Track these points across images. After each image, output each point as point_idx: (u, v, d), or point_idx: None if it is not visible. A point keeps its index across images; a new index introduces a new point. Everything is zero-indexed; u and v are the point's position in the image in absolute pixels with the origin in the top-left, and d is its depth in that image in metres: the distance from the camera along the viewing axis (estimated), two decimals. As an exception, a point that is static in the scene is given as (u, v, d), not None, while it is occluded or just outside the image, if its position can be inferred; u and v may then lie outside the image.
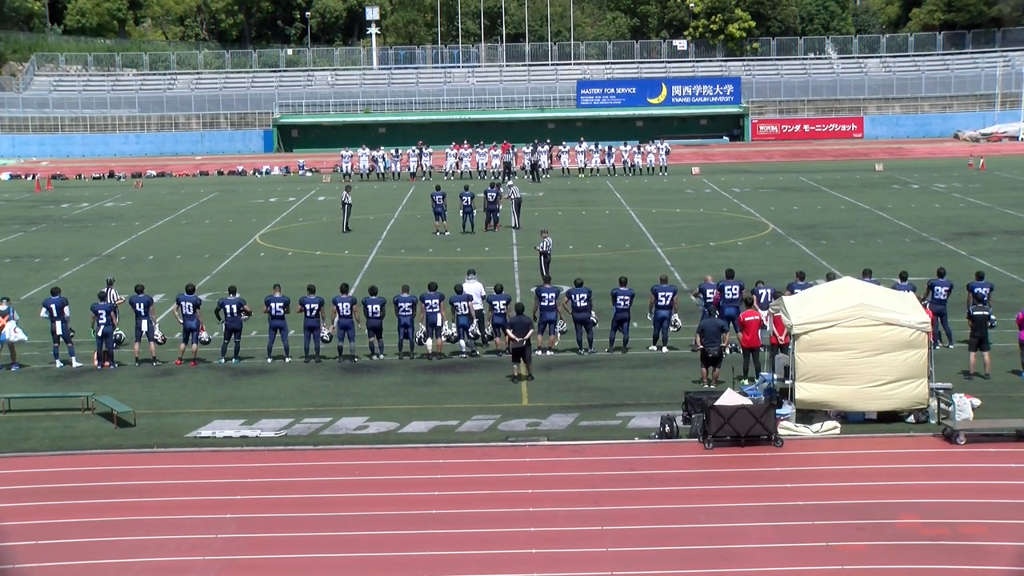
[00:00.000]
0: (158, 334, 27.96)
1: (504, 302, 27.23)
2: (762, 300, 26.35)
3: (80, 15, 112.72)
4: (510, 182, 55.14)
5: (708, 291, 27.69)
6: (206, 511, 18.49)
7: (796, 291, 25.76)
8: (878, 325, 21.81)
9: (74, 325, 28.20)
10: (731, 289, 27.53)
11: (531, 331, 25.79)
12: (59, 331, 27.52)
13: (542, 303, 27.47)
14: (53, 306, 27.61)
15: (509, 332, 25.51)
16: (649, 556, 16.53)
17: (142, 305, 27.77)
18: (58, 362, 27.68)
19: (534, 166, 67.43)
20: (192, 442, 22.01)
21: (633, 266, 37.98)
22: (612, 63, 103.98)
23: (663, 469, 20.14)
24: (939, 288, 27.48)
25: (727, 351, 25.77)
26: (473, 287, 28.55)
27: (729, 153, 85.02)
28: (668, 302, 27.69)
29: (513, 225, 47.94)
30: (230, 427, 22.69)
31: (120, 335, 28.88)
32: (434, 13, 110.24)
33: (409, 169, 69.85)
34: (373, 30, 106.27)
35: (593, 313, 27.72)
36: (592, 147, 70.79)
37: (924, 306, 26.21)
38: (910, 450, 20.93)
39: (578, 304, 27.51)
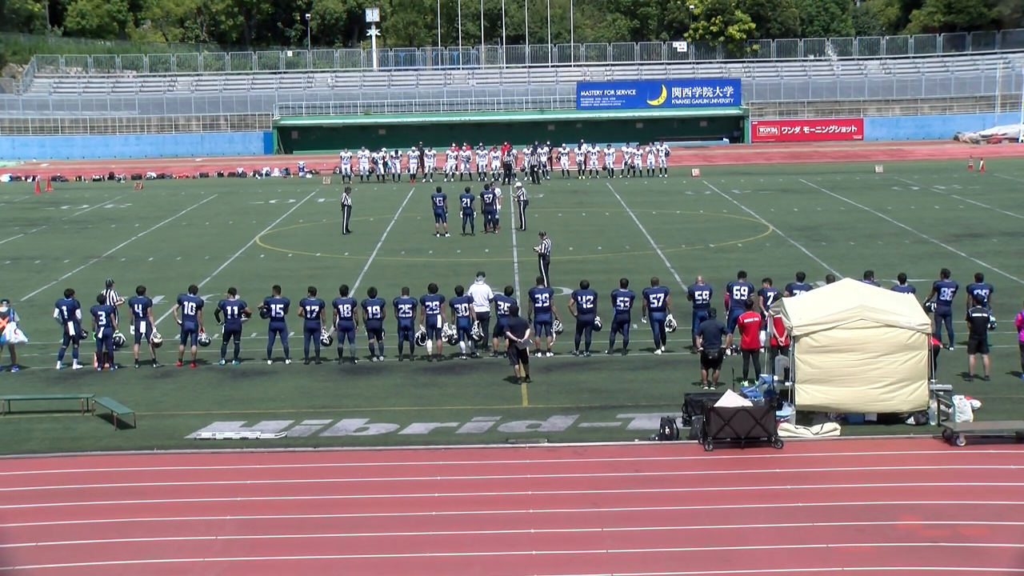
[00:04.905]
0: (156, 335, 27.91)
1: (509, 305, 27.16)
2: (769, 301, 26.37)
3: (80, 17, 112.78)
4: (518, 183, 55.27)
5: (697, 292, 27.65)
6: (206, 513, 18.49)
7: (796, 292, 25.76)
8: (878, 327, 21.80)
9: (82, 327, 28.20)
10: (740, 290, 27.51)
11: (528, 331, 25.81)
12: (72, 332, 27.47)
13: (535, 304, 27.45)
14: (64, 308, 27.59)
15: (509, 333, 25.52)
16: (649, 558, 16.53)
17: (140, 306, 27.76)
18: (59, 363, 27.67)
19: (534, 168, 67.48)
20: (192, 443, 22.01)
21: (633, 268, 37.96)
22: (612, 65, 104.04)
23: (663, 471, 20.13)
24: (945, 289, 27.39)
25: (727, 353, 25.78)
26: (481, 289, 28.50)
27: (729, 155, 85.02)
28: (660, 303, 27.70)
29: (518, 226, 47.95)
30: (230, 429, 22.69)
31: (119, 337, 28.86)
32: (434, 15, 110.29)
33: (409, 171, 69.92)
34: (373, 32, 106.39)
35: (598, 318, 27.71)
36: (591, 148, 70.79)
37: (929, 308, 26.26)
38: (910, 452, 20.93)
39: (584, 306, 27.50)
